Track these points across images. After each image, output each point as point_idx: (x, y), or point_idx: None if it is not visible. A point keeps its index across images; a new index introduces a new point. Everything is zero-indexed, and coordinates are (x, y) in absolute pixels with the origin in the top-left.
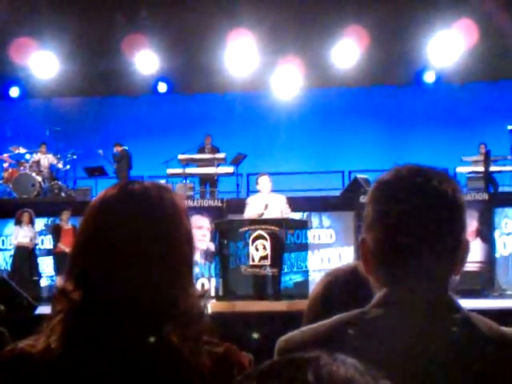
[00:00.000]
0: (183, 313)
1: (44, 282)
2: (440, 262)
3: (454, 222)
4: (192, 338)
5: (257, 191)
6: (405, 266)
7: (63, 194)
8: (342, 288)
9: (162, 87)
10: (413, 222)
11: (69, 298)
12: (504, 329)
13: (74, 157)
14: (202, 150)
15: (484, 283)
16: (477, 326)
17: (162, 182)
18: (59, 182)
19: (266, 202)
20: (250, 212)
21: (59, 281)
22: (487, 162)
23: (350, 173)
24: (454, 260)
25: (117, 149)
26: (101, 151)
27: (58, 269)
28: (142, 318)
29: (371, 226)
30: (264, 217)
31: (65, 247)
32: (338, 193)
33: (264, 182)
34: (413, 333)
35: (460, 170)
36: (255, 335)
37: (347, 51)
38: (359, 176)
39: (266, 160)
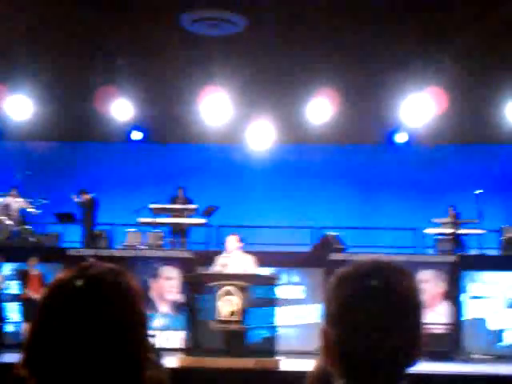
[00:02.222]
0: None
1: (9, 328)
2: (396, 358)
3: (411, 320)
4: None
5: None
6: (363, 362)
7: (31, 239)
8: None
9: (136, 135)
10: (372, 321)
11: None
12: None
13: (45, 201)
14: (174, 201)
15: (450, 346)
16: None
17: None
18: (29, 227)
19: (226, 261)
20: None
21: (25, 328)
22: (456, 224)
23: (319, 229)
24: (410, 355)
25: (83, 196)
26: (75, 197)
27: (24, 315)
28: None
29: (335, 321)
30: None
31: (31, 293)
32: (306, 248)
33: (230, 242)
34: None
35: (428, 231)
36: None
37: (320, 110)
38: (329, 233)
39: (238, 212)
